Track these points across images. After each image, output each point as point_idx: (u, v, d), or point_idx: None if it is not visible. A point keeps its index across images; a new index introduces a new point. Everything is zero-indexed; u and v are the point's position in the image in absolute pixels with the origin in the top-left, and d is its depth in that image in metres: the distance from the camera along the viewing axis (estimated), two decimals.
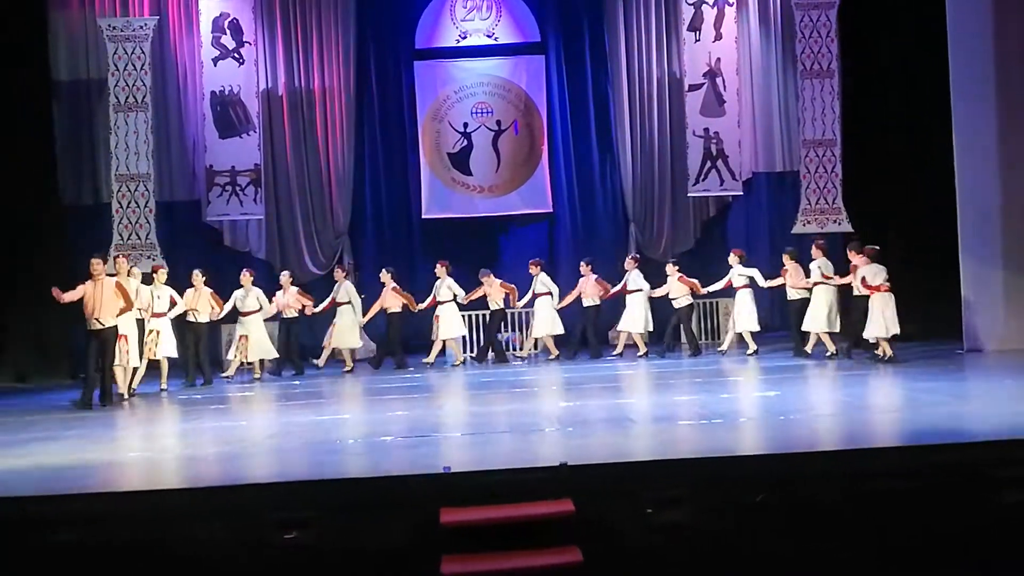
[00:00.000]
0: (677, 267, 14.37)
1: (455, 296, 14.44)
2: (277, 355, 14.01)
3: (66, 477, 7.12)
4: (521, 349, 15.45)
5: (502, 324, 15.07)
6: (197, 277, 13.22)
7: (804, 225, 15.39)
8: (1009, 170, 12.78)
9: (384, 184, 16.88)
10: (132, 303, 11.54)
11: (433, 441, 8.03)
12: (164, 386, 12.78)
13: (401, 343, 14.45)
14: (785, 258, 13.55)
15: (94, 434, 9.36)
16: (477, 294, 14.63)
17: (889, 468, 6.36)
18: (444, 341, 14.42)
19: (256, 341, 13.64)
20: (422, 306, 14.46)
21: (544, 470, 6.37)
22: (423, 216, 16.73)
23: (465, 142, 16.73)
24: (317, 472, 6.84)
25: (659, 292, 14.42)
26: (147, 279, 12.97)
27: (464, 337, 14.98)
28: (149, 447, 8.71)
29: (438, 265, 14.57)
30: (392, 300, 14.35)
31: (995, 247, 12.86)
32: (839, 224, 15.30)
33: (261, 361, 13.90)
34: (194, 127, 16.10)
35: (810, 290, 13.17)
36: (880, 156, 15.25)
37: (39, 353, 14.42)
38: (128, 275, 12.25)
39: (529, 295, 14.75)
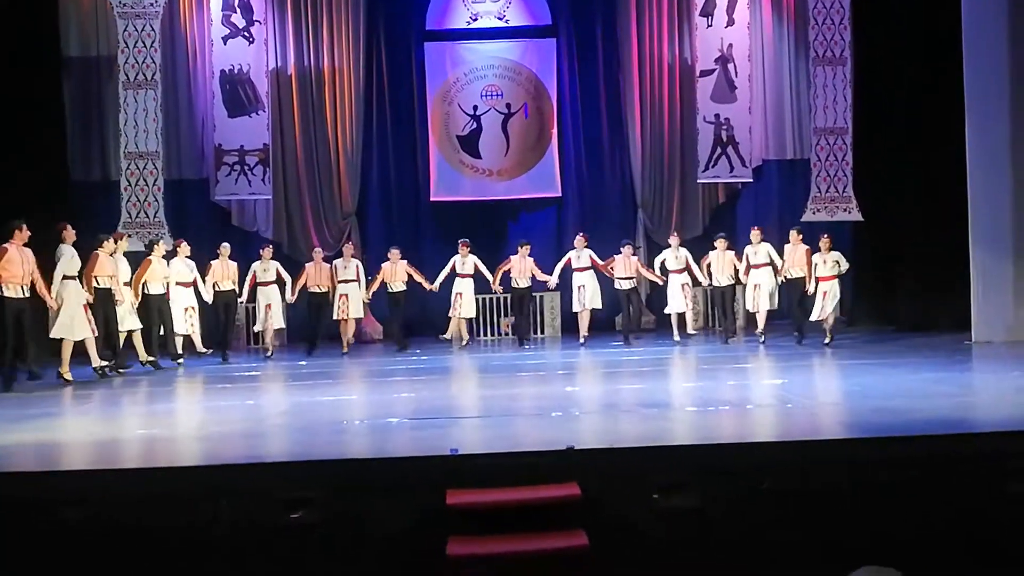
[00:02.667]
0: (631, 248, 14.60)
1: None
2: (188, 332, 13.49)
3: (72, 454, 7.14)
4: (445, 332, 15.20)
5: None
6: (158, 250, 12.94)
7: (814, 213, 15.33)
8: (1022, 160, 12.71)
9: (392, 166, 16.86)
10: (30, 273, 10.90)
11: (440, 423, 8.02)
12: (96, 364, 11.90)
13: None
14: (720, 243, 14.15)
15: (99, 411, 9.39)
16: (377, 282, 14.49)
17: (896, 457, 6.34)
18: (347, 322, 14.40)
19: (183, 313, 13.17)
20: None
21: (551, 454, 6.36)
22: (431, 198, 16.70)
23: (474, 125, 16.69)
24: (323, 452, 6.83)
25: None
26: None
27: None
28: (146, 425, 8.71)
29: (348, 244, 14.78)
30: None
31: (1006, 237, 12.80)
32: (849, 213, 15.24)
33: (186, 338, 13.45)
34: (203, 106, 16.08)
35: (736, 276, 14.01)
36: (891, 145, 15.18)
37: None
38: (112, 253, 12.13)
39: (444, 275, 14.61)
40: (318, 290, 14.34)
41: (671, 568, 6.03)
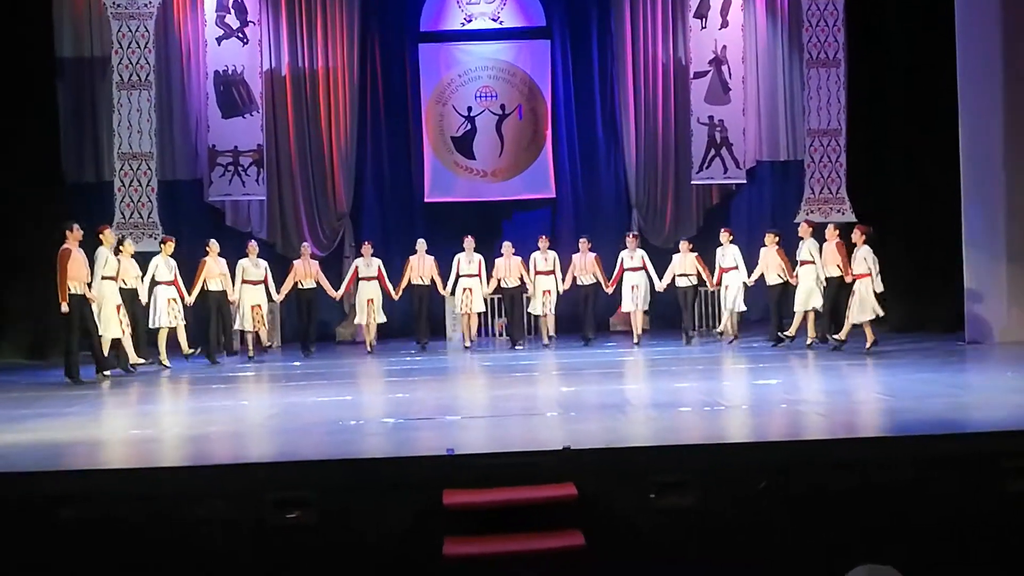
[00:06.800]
0: (688, 244, 14.51)
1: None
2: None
3: (68, 454, 7.12)
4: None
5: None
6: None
7: (807, 214, 15.33)
8: (1015, 161, 12.74)
9: (387, 166, 16.86)
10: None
11: (437, 424, 8.02)
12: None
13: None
14: (769, 238, 13.86)
15: (94, 411, 9.37)
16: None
17: (891, 457, 6.35)
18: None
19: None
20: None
21: (547, 454, 6.36)
22: (425, 199, 16.71)
23: (469, 126, 16.69)
24: (319, 453, 6.83)
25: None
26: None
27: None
28: (148, 425, 8.70)
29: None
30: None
31: (999, 239, 12.82)
32: (843, 214, 15.27)
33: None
34: (197, 106, 16.07)
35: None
36: (885, 146, 15.22)
37: (43, 329, 14.35)
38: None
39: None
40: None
41: (668, 568, 6.03)
